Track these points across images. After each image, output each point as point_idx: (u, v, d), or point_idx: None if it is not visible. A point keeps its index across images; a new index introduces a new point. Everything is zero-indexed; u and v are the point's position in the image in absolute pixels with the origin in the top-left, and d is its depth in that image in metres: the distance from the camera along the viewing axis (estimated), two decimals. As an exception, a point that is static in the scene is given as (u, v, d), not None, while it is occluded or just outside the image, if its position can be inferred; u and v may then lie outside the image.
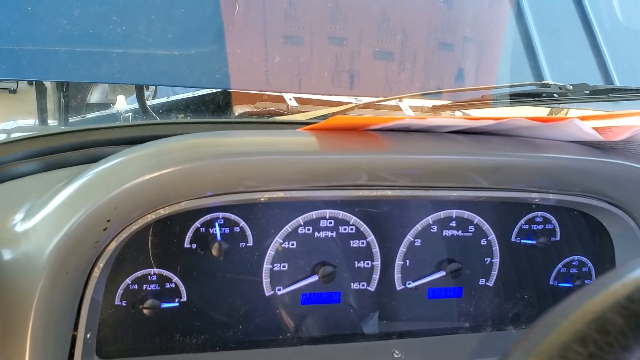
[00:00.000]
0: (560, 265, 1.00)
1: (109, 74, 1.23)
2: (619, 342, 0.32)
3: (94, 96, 2.89)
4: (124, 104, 2.18)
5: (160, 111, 1.77)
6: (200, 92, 1.67)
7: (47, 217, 0.65)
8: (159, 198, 0.69)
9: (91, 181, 0.66)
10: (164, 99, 1.92)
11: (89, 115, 2.02)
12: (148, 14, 1.22)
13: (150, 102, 1.89)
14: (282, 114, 1.35)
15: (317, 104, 1.40)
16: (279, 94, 1.39)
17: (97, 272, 0.70)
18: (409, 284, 0.93)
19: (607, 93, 1.23)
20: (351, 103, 1.26)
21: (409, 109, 1.41)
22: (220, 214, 0.82)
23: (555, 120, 0.82)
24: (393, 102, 1.36)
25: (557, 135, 0.87)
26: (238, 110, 1.47)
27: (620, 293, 0.34)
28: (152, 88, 2.36)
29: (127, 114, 1.80)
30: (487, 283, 0.97)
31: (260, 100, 1.47)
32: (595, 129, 0.87)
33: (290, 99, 1.44)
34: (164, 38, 1.23)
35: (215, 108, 1.61)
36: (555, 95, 1.23)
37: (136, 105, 1.69)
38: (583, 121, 0.87)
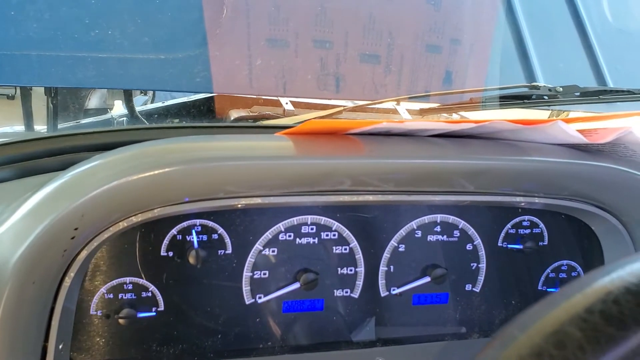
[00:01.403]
0: (548, 270, 0.98)
1: (95, 79, 1.22)
2: (576, 357, 0.30)
3: (92, 102, 2.88)
4: (121, 109, 2.18)
5: (156, 116, 1.77)
6: (196, 97, 1.66)
7: (13, 226, 0.63)
8: (129, 205, 0.68)
9: (58, 189, 0.64)
10: (160, 104, 1.91)
11: (83, 121, 2.02)
12: (134, 18, 1.21)
13: (146, 107, 1.89)
14: (277, 118, 1.34)
15: (315, 108, 1.39)
16: (275, 98, 1.38)
17: (67, 281, 0.69)
18: (394, 290, 0.92)
19: (598, 95, 1.21)
20: (348, 106, 1.24)
21: (406, 112, 1.40)
22: (198, 221, 0.80)
23: (538, 122, 0.80)
24: (389, 105, 1.34)
25: (542, 137, 0.85)
26: (234, 114, 1.46)
27: (581, 305, 0.32)
28: (150, 93, 2.35)
29: (121, 119, 1.79)
30: (473, 288, 0.95)
31: (256, 104, 1.46)
32: (582, 131, 0.85)
33: (287, 103, 1.42)
34: (150, 42, 1.22)
35: (211, 112, 1.59)
36: (545, 97, 1.21)
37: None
38: (568, 123, 0.85)
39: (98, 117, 2.05)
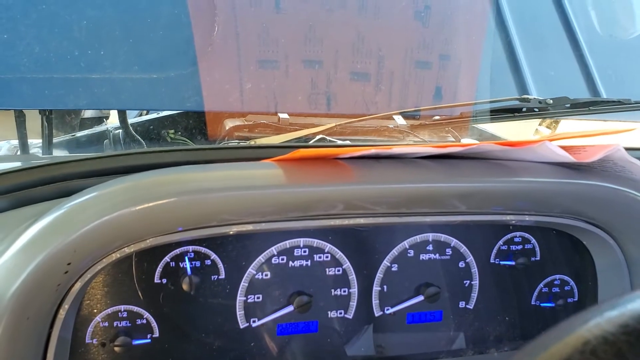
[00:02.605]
0: (541, 285, 0.99)
1: (87, 101, 1.23)
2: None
3: (89, 112, 2.89)
4: (117, 119, 2.18)
5: (151, 127, 1.77)
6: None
7: (6, 262, 0.64)
8: (122, 238, 0.68)
9: (49, 225, 0.65)
10: (155, 115, 1.91)
11: (79, 134, 2.02)
12: (126, 39, 1.22)
13: (141, 119, 1.89)
14: (273, 127, 1.34)
15: (311, 116, 1.39)
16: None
17: (62, 313, 0.69)
18: (388, 309, 0.92)
19: (588, 106, 1.22)
20: (344, 117, 1.24)
21: (401, 118, 1.40)
22: (191, 247, 0.81)
23: (526, 143, 0.81)
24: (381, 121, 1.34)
25: (531, 157, 0.86)
26: (229, 124, 1.47)
27: (559, 355, 0.33)
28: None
29: (117, 131, 1.79)
30: (467, 306, 0.96)
31: (252, 113, 1.46)
32: (570, 148, 0.86)
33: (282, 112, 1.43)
34: (142, 62, 1.23)
35: (206, 123, 1.59)
36: (535, 109, 1.22)
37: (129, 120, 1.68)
38: (557, 141, 0.86)
39: (94, 130, 2.05)
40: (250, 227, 0.75)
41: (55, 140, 1.98)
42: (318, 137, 1.17)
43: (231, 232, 0.75)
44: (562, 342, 0.33)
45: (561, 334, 0.34)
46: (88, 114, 2.88)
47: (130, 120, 1.84)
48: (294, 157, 0.76)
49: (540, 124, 1.75)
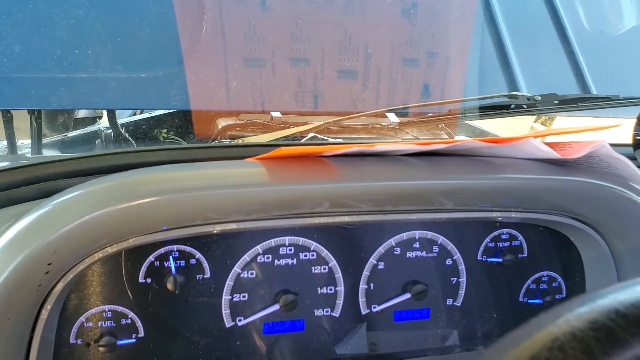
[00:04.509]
0: (529, 282, 0.99)
1: (74, 100, 1.23)
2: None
3: (82, 111, 2.87)
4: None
5: (144, 126, 1.76)
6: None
7: (-15, 263, 0.63)
8: (104, 237, 0.68)
9: (29, 225, 0.64)
10: (147, 114, 1.90)
11: (71, 134, 2.01)
12: (113, 38, 1.21)
13: (134, 118, 1.88)
14: (266, 125, 1.33)
15: (302, 114, 1.39)
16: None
17: (45, 313, 0.69)
18: (375, 307, 0.92)
19: (577, 102, 1.22)
20: (336, 114, 1.24)
21: (393, 115, 1.39)
22: (175, 247, 0.81)
23: (510, 140, 0.81)
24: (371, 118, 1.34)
25: (516, 153, 0.86)
26: (222, 122, 1.46)
27: (527, 352, 0.32)
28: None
29: (109, 131, 1.78)
30: (454, 303, 0.96)
31: (243, 112, 1.46)
32: (555, 145, 0.86)
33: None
34: (129, 61, 1.22)
35: (199, 122, 1.59)
36: (524, 106, 1.22)
37: (121, 120, 1.68)
38: (542, 137, 0.86)
39: (85, 129, 2.04)
40: (234, 226, 0.74)
41: (46, 140, 1.98)
42: (310, 135, 1.17)
43: (215, 231, 0.75)
44: (531, 338, 0.33)
45: (531, 330, 0.34)
46: (81, 114, 2.86)
47: (123, 120, 1.83)
48: (277, 156, 0.75)
49: (535, 121, 1.75)
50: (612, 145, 0.84)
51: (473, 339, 0.98)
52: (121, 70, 1.18)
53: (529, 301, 0.99)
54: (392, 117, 1.37)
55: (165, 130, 1.76)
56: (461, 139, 0.78)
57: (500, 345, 0.34)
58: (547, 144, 0.85)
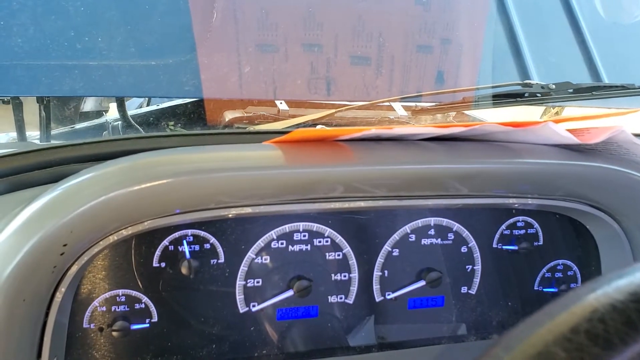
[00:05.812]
0: (544, 270, 0.98)
1: (85, 88, 1.22)
2: (560, 379, 0.30)
3: (88, 104, 2.87)
4: (116, 112, 2.17)
5: (152, 118, 1.76)
6: (191, 99, 1.65)
7: (1, 245, 0.63)
8: (119, 219, 0.67)
9: (45, 206, 0.64)
10: (155, 107, 1.90)
11: (78, 126, 2.01)
12: (123, 25, 1.21)
13: (141, 110, 1.88)
14: (272, 118, 1.33)
15: (309, 107, 1.38)
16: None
17: (59, 296, 0.68)
18: (389, 294, 0.91)
19: (591, 91, 1.21)
20: (344, 105, 1.23)
21: (401, 109, 1.38)
22: (189, 231, 0.80)
23: (529, 124, 0.79)
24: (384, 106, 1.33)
25: (534, 139, 0.84)
26: (229, 115, 1.46)
27: (566, 324, 0.32)
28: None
29: (116, 123, 1.78)
30: (469, 291, 0.95)
31: (251, 104, 1.45)
32: (573, 131, 0.85)
33: (281, 103, 1.42)
34: (139, 48, 1.21)
35: (206, 112, 1.58)
36: (538, 94, 1.20)
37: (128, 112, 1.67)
38: (559, 123, 0.85)
39: (93, 122, 2.04)
40: (248, 210, 0.74)
41: (54, 132, 1.97)
42: (318, 126, 1.16)
43: (230, 215, 0.74)
44: (569, 310, 0.33)
45: (568, 302, 0.33)
46: (88, 107, 2.85)
47: (130, 112, 1.83)
48: (293, 139, 0.75)
49: (544, 112, 1.73)
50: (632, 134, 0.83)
51: (487, 327, 0.97)
52: (132, 57, 1.17)
53: (544, 290, 0.98)
54: (400, 111, 1.36)
55: (172, 123, 1.75)
56: (479, 122, 0.76)
57: (537, 318, 0.33)
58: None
